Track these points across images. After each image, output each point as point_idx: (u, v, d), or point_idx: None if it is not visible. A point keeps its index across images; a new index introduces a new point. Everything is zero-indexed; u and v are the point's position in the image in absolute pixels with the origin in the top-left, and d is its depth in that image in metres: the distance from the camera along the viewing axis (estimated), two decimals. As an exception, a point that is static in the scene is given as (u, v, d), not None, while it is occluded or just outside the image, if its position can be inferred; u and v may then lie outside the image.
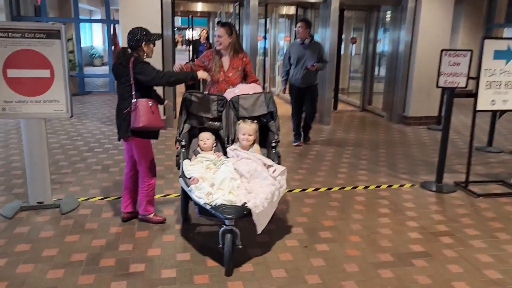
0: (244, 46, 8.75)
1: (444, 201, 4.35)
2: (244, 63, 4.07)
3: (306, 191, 4.52)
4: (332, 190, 4.56)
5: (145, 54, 3.42)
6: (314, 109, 6.29)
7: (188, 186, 3.08)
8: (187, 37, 24.03)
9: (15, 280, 2.78)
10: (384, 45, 10.18)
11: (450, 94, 4.32)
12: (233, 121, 3.61)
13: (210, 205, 2.88)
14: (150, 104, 3.33)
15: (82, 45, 11.84)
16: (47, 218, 3.69)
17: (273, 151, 3.53)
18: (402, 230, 3.64)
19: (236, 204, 2.89)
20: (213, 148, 3.60)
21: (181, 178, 3.21)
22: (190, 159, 3.48)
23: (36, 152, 3.78)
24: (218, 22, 4.13)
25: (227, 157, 3.49)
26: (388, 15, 8.96)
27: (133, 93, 3.31)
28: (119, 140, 3.51)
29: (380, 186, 4.70)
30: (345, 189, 4.60)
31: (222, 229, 2.88)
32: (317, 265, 3.06)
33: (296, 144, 6.25)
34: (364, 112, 9.30)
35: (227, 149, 3.54)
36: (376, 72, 9.53)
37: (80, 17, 12.37)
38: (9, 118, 3.78)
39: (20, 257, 3.05)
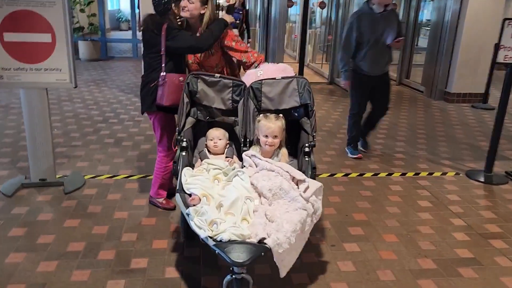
0: (272, 13, 8.15)
1: (495, 194, 3.79)
2: None
3: (335, 176, 4.05)
4: (364, 176, 4.07)
5: (177, 17, 2.94)
6: (388, 103, 4.47)
7: (186, 208, 2.22)
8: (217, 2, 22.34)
9: (1, 273, 2.47)
10: (425, 13, 9.36)
11: (510, 71, 3.69)
12: (252, 116, 2.73)
13: (214, 240, 1.98)
14: (181, 80, 2.87)
15: (109, 8, 11.45)
16: (48, 197, 3.38)
17: (306, 159, 2.59)
18: (446, 230, 3.15)
19: (251, 240, 2.00)
20: (226, 150, 2.76)
21: (178, 194, 2.33)
22: (193, 166, 2.65)
23: (38, 126, 3.43)
24: None
25: (243, 166, 2.60)
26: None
27: (163, 65, 2.88)
28: (142, 113, 3.14)
29: (419, 173, 4.18)
30: (379, 175, 4.09)
31: (227, 277, 2.04)
32: (345, 269, 2.63)
33: (355, 156, 4.47)
34: (400, 86, 8.60)
35: (243, 155, 2.61)
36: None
37: (105, -22, 11.92)
38: (7, 87, 3.43)
39: (12, 244, 2.75)
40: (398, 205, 3.49)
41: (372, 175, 4.09)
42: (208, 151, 2.75)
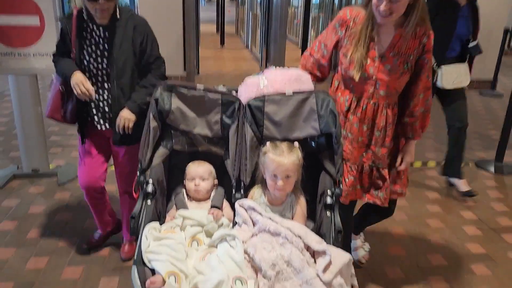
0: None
1: (506, 186, 3.64)
2: (421, 46, 1.90)
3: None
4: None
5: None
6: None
7: None
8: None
9: (-12, 271, 2.36)
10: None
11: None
12: (250, 147, 1.80)
13: None
14: (61, 88, 2.38)
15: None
16: (41, 189, 3.24)
17: (327, 214, 1.67)
18: (456, 223, 3.00)
19: None
20: (212, 194, 1.84)
21: (134, 267, 1.42)
22: (162, 220, 1.75)
23: (28, 115, 3.27)
24: None
25: (235, 222, 1.73)
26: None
27: None
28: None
29: (426, 162, 4.02)
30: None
31: None
32: None
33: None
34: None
35: (236, 204, 1.73)
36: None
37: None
38: (-4, 73, 3.26)
39: (1, 239, 2.62)
40: (408, 199, 3.33)
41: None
42: (187, 194, 1.84)
